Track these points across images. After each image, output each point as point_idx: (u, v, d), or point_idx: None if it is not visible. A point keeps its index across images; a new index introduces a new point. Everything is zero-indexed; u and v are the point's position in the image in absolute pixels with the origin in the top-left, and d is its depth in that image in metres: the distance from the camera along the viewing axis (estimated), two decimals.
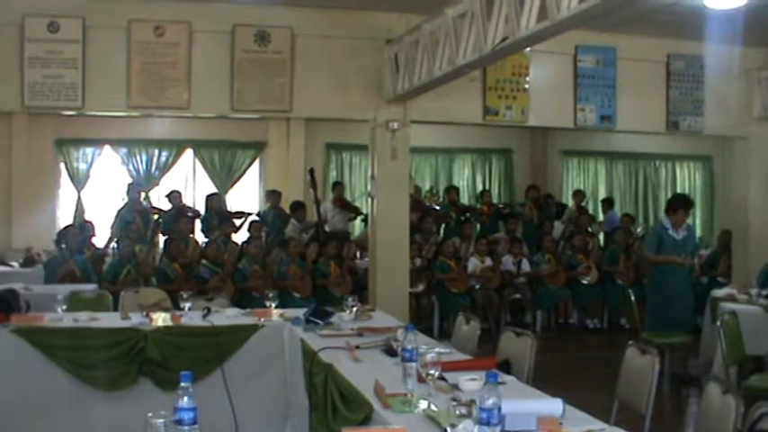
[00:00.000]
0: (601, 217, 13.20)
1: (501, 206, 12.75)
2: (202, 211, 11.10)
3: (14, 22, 8.20)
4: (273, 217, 11.11)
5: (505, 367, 4.08)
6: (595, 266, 10.91)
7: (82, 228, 9.97)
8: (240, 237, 10.60)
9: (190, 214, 10.88)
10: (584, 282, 10.80)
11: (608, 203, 13.15)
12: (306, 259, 9.87)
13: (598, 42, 9.64)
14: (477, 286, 10.36)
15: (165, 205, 11.35)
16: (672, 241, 7.51)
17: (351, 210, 11.81)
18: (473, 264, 10.57)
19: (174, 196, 11.14)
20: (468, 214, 12.13)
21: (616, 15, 7.68)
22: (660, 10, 8.05)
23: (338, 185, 12.03)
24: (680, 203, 7.66)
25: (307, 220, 11.12)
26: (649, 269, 7.91)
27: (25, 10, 8.21)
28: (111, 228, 10.41)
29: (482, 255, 10.68)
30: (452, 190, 12.65)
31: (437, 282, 10.27)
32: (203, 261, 9.38)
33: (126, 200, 10.83)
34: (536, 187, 13.00)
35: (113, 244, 10.20)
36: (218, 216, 10.70)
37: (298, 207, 10.96)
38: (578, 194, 13.00)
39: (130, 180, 11.79)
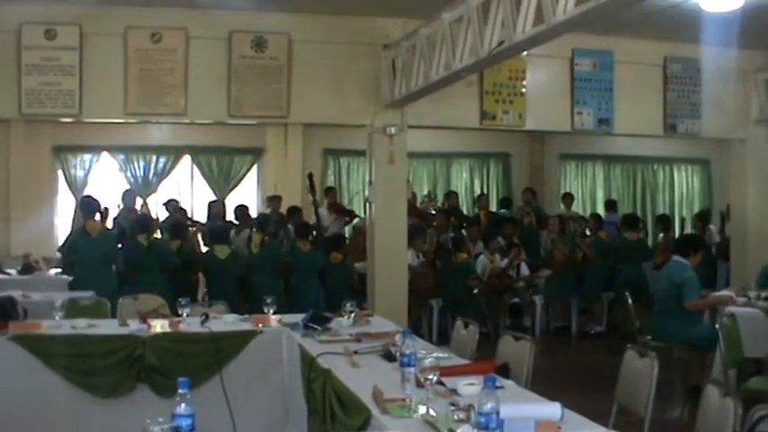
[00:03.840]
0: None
1: (498, 213, 12.73)
2: (203, 219, 11.08)
3: (11, 29, 8.18)
4: (274, 223, 11.07)
5: (504, 371, 4.07)
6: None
7: None
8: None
9: (189, 224, 10.85)
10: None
11: (609, 206, 13.12)
12: None
13: (595, 46, 9.63)
14: (476, 291, 10.34)
15: (163, 214, 11.30)
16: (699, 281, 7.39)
17: (346, 213, 11.80)
18: (482, 263, 10.53)
19: (171, 205, 11.10)
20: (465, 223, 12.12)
21: (612, 19, 7.67)
22: (656, 13, 8.05)
23: (331, 191, 11.99)
24: (701, 246, 7.58)
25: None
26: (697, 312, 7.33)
27: (22, 17, 8.19)
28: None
29: (492, 253, 10.63)
30: (452, 195, 12.63)
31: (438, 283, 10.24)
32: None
33: (121, 206, 10.80)
34: (531, 190, 12.99)
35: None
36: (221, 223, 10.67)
37: (294, 212, 10.93)
38: (568, 196, 12.99)
39: (128, 187, 11.77)
